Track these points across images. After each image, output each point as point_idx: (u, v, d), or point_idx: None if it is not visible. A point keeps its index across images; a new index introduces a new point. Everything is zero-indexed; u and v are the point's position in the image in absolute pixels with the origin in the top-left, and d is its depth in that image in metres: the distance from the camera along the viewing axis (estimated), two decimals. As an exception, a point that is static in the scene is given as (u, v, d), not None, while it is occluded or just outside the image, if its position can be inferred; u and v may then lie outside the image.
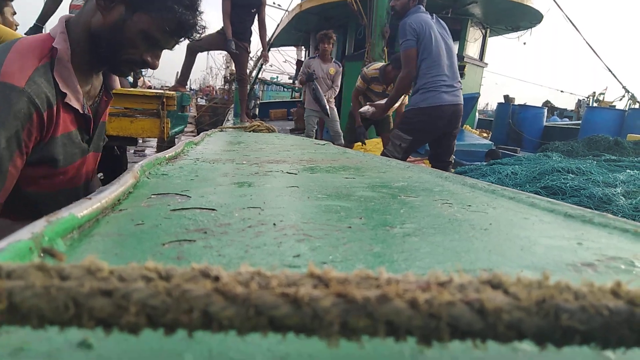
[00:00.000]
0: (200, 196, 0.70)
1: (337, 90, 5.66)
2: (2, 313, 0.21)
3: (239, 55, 5.49)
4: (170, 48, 1.23)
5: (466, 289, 0.24)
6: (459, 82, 3.37)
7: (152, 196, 0.70)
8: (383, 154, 3.62)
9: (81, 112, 1.15)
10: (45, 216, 0.45)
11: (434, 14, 3.44)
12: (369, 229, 0.50)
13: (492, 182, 2.95)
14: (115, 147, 4.52)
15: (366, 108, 4.11)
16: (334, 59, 5.88)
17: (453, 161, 3.75)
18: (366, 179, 0.89)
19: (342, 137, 5.54)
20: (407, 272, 0.26)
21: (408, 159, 5.63)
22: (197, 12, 1.20)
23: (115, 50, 1.12)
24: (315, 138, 6.05)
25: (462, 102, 3.34)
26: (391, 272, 0.38)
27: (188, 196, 0.70)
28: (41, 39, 1.10)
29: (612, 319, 0.22)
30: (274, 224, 0.52)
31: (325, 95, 5.34)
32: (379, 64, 4.69)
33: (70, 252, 0.43)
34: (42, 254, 0.37)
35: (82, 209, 0.51)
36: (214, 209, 0.61)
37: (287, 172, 0.96)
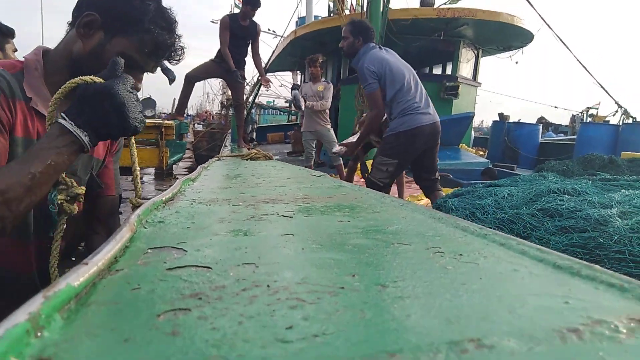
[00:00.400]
0: (196, 250, 0.71)
1: (326, 103, 5.73)
2: None
3: (234, 82, 5.57)
4: (151, 70, 1.26)
5: None
6: (429, 103, 3.59)
7: (149, 251, 0.71)
8: (367, 179, 3.73)
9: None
10: (43, 290, 0.46)
11: (381, 46, 3.74)
12: (362, 290, 0.51)
13: (490, 204, 2.97)
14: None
15: (339, 148, 4.29)
16: (323, 79, 6.00)
17: (439, 178, 3.82)
18: (360, 222, 0.90)
19: (340, 158, 5.59)
20: None
21: (406, 182, 5.68)
22: (175, 34, 1.24)
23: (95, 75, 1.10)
24: (314, 160, 6.06)
25: (438, 120, 3.55)
26: (381, 344, 0.39)
27: (184, 250, 0.71)
28: (13, 62, 1.14)
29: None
30: (268, 286, 0.53)
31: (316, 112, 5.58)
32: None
33: (68, 327, 0.44)
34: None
35: (78, 277, 0.52)
36: (209, 267, 0.61)
37: (283, 215, 0.97)
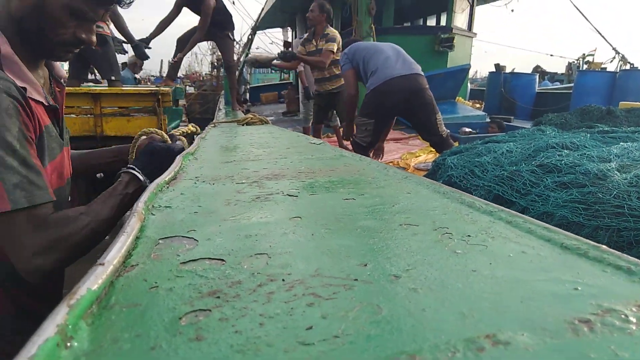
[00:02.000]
0: (207, 239, 0.72)
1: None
2: None
3: (223, 44, 5.45)
4: (101, 19, 1.21)
5: None
6: (408, 62, 3.69)
7: (160, 241, 0.72)
8: (354, 142, 3.81)
9: (46, 104, 1.13)
10: (65, 299, 0.47)
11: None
12: (375, 281, 0.52)
13: (489, 162, 2.98)
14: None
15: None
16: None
17: (446, 135, 3.83)
18: (366, 200, 0.91)
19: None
20: None
21: (402, 139, 5.67)
22: None
23: (45, 34, 1.07)
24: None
25: (418, 72, 3.61)
26: (400, 344, 0.40)
27: (195, 239, 0.72)
28: None
29: None
30: (283, 280, 0.55)
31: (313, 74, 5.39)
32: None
33: (93, 333, 0.45)
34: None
35: (96, 280, 0.53)
36: (222, 260, 0.63)
37: (288, 195, 0.98)
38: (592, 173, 2.36)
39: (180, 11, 5.13)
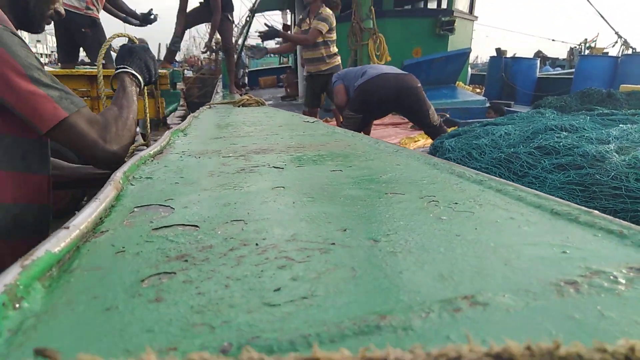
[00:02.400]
0: (183, 207, 0.69)
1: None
2: None
3: (222, 26, 5.37)
4: None
5: None
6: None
7: (135, 210, 0.69)
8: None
9: None
10: (20, 259, 0.45)
11: None
12: (353, 246, 0.50)
13: (487, 144, 2.95)
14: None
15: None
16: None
17: (439, 123, 3.88)
18: (354, 171, 0.88)
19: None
20: (415, 346, 0.25)
21: (402, 123, 5.64)
22: None
23: (30, 7, 1.17)
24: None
25: (406, 73, 3.88)
26: (372, 304, 0.37)
27: (172, 207, 0.69)
28: None
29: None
30: (257, 244, 0.52)
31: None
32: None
33: (49, 296, 0.43)
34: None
35: (59, 242, 0.51)
36: (196, 226, 0.60)
37: (274, 167, 0.95)
38: (591, 155, 2.33)
39: None
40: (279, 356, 0.25)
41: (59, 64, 4.29)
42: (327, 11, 4.59)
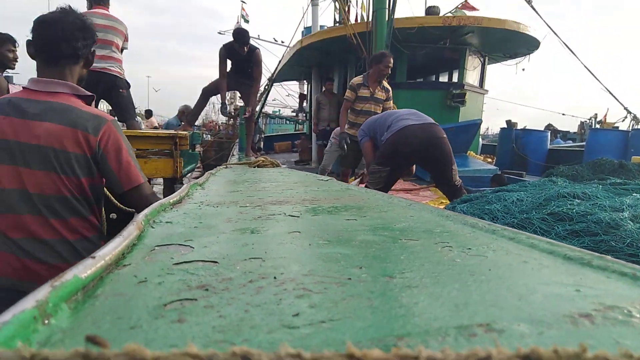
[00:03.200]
0: (203, 246, 0.71)
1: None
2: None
3: (249, 92, 5.61)
4: None
5: None
6: (424, 115, 3.84)
7: (156, 248, 0.71)
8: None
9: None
10: (50, 280, 0.46)
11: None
12: (369, 280, 0.51)
13: (499, 210, 2.95)
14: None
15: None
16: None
17: (460, 184, 3.84)
18: (368, 220, 0.89)
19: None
20: (445, 348, 0.26)
21: (414, 190, 5.66)
22: None
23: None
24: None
25: (432, 121, 3.68)
26: (388, 329, 0.38)
27: (191, 247, 0.71)
28: None
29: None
30: (275, 277, 0.53)
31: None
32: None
33: (75, 316, 0.44)
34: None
35: (85, 269, 0.52)
36: (216, 262, 0.61)
37: (290, 215, 0.97)
38: (605, 222, 2.31)
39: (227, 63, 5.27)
40: (314, 352, 0.26)
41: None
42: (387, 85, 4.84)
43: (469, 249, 0.64)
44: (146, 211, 0.93)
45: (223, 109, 5.69)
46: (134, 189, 1.51)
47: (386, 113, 4.03)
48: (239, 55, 5.09)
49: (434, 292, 0.46)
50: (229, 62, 5.24)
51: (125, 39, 4.01)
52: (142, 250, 0.69)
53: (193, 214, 1.03)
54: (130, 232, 0.74)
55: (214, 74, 5.55)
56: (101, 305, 0.47)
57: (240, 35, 5.02)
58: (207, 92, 5.58)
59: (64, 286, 0.46)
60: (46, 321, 0.41)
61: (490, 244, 0.67)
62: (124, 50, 4.05)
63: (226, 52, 5.14)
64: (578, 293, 0.45)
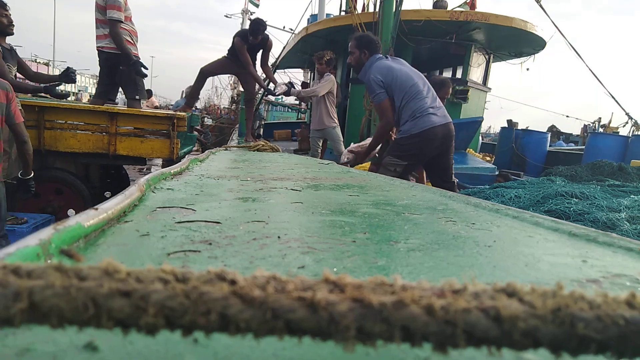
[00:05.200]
0: (205, 210, 0.70)
1: (317, 90, 5.58)
2: (23, 312, 0.21)
3: (248, 78, 5.57)
4: None
5: (481, 296, 0.24)
6: (441, 105, 3.44)
7: (157, 209, 0.70)
8: None
9: None
10: (54, 223, 0.46)
11: (387, 55, 3.56)
12: (373, 243, 0.50)
13: (496, 205, 2.95)
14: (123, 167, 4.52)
15: (346, 157, 4.06)
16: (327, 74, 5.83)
17: (456, 182, 3.78)
18: (370, 197, 0.89)
19: (346, 160, 5.53)
20: (421, 279, 0.26)
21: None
22: None
23: None
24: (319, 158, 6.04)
25: (451, 120, 3.41)
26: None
27: (193, 209, 0.71)
28: None
29: (628, 329, 0.22)
30: (279, 237, 0.53)
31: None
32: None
33: (76, 261, 0.43)
34: (59, 254, 0.36)
35: (88, 219, 0.52)
36: (219, 222, 0.61)
37: (291, 189, 0.97)
38: (601, 221, 2.32)
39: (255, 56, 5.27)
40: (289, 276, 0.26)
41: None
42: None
43: (473, 223, 0.64)
44: (148, 176, 0.93)
45: (270, 91, 5.63)
46: (19, 124, 2.33)
47: (407, 79, 3.35)
48: (250, 43, 5.08)
49: (439, 255, 0.46)
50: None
51: (103, 8, 3.82)
52: (144, 211, 0.69)
53: (194, 183, 1.03)
54: (132, 192, 0.73)
55: (217, 57, 5.50)
56: (103, 252, 0.47)
57: (258, 25, 5.02)
58: (206, 73, 5.51)
59: (66, 231, 0.46)
60: (48, 261, 0.41)
61: (494, 221, 0.67)
62: (115, 20, 3.86)
63: (243, 42, 5.13)
64: (585, 263, 0.45)
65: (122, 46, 4.13)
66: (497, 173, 6.87)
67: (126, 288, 0.22)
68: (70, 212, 3.30)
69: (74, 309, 0.21)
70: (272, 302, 0.22)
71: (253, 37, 5.07)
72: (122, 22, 4.07)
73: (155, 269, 0.24)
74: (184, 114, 4.61)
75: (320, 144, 5.99)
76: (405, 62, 3.66)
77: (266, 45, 5.39)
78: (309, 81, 12.17)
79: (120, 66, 4.12)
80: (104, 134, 4.17)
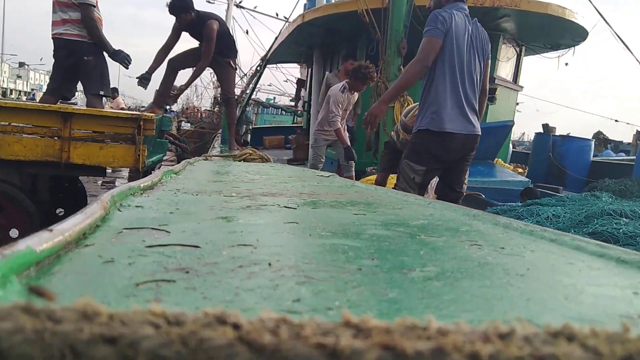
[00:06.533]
0: (181, 231, 0.71)
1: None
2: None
3: (222, 72, 5.57)
4: None
5: (533, 341, 0.24)
6: (475, 107, 3.29)
7: (124, 230, 0.70)
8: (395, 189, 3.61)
9: None
10: (1, 248, 0.46)
11: (475, 19, 3.29)
12: (383, 272, 0.51)
13: (530, 227, 2.96)
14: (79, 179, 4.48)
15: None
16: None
17: (464, 192, 3.73)
18: (379, 216, 0.89)
19: (352, 169, 5.50)
20: (459, 321, 0.26)
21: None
22: None
23: None
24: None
25: (479, 131, 3.27)
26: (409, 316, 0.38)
27: (167, 231, 0.71)
28: None
29: None
30: (270, 264, 0.53)
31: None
32: (415, 106, 4.61)
33: (27, 292, 0.43)
34: (29, 292, 0.36)
35: (41, 242, 0.52)
36: (197, 246, 0.61)
37: (285, 207, 0.97)
38: (657, 245, 2.32)
39: (179, 37, 5.31)
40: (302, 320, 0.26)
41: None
42: None
43: (502, 248, 0.64)
44: (113, 192, 0.93)
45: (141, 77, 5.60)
46: None
47: (463, 49, 3.21)
48: (192, 28, 5.09)
49: (462, 286, 0.46)
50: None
51: None
52: (108, 232, 0.69)
53: (168, 199, 1.03)
54: (93, 210, 0.73)
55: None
56: (59, 282, 0.47)
57: (170, 6, 4.97)
58: (176, 64, 5.48)
59: (15, 257, 0.46)
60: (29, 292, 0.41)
61: (527, 245, 0.67)
62: (88, 4, 3.90)
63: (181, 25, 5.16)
64: (636, 296, 0.45)
65: (98, 34, 4.19)
66: (530, 187, 6.87)
67: (111, 333, 0.22)
68: (14, 232, 3.22)
69: (48, 358, 0.21)
70: (286, 350, 0.22)
71: (178, 18, 5.08)
72: (94, 6, 4.11)
73: (142, 310, 0.24)
74: (152, 114, 4.56)
75: (323, 153, 5.90)
76: (485, 37, 3.36)
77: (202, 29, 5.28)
78: (304, 78, 12.24)
79: (84, 56, 4.13)
80: (56, 138, 4.06)
